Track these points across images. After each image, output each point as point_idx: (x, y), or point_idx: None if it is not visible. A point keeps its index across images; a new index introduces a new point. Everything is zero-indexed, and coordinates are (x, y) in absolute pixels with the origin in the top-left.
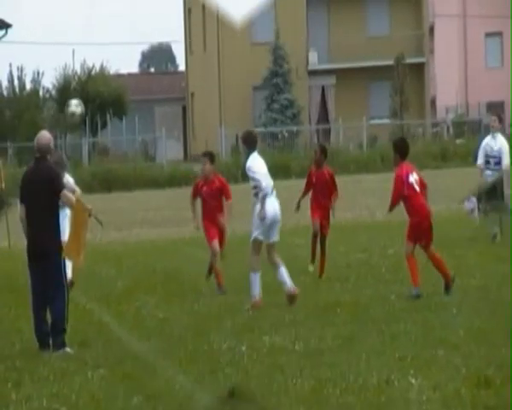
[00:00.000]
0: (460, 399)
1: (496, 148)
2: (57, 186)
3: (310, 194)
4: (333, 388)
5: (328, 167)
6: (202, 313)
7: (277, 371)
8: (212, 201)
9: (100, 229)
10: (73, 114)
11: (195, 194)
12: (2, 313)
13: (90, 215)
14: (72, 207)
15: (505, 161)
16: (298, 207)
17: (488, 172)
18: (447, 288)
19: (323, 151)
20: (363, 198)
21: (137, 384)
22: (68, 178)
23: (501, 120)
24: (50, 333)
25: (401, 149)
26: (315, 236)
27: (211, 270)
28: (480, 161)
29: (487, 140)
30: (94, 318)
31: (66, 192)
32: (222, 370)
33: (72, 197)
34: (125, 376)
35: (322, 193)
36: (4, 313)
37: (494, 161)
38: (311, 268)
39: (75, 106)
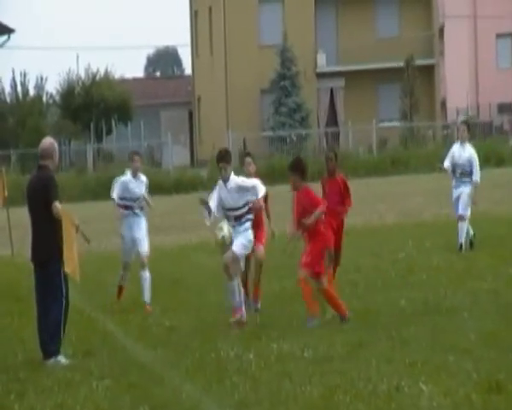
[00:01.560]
0: (471, 405)
1: (464, 157)
2: (48, 196)
3: None
4: (342, 395)
5: (341, 174)
6: (209, 320)
7: (286, 379)
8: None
9: (104, 237)
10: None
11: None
12: (5, 323)
13: (76, 231)
14: (60, 220)
15: (475, 177)
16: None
17: (453, 183)
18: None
19: (337, 158)
20: (373, 202)
21: (143, 394)
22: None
23: (469, 129)
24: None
25: (303, 168)
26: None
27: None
28: (447, 164)
29: (455, 148)
30: (99, 326)
31: (56, 204)
32: (229, 378)
33: (60, 210)
34: (130, 386)
35: (335, 203)
36: (7, 322)
37: (460, 171)
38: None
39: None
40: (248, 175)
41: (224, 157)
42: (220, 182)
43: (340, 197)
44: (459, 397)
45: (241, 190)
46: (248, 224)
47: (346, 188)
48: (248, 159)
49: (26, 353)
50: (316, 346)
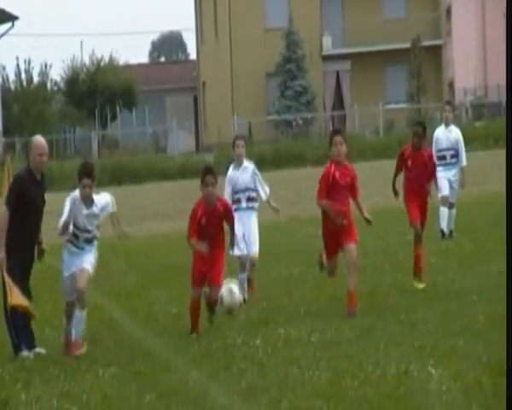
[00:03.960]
0: (481, 388)
1: (452, 138)
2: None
3: (402, 179)
4: (351, 380)
5: (426, 148)
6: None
7: (293, 364)
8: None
9: (108, 224)
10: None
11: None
12: None
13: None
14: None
15: (464, 162)
16: (396, 192)
17: (441, 169)
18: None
19: (425, 132)
20: (380, 185)
21: (150, 382)
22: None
23: (454, 109)
24: None
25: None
26: (417, 238)
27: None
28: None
29: (440, 132)
30: (105, 314)
31: (3, 207)
32: (237, 364)
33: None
34: (137, 373)
35: (419, 179)
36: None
37: (450, 153)
38: (420, 285)
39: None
40: (339, 158)
41: (90, 173)
42: (79, 201)
43: (425, 172)
44: (469, 380)
45: (102, 211)
46: (95, 241)
47: (432, 162)
48: (338, 137)
49: None
50: (323, 330)
